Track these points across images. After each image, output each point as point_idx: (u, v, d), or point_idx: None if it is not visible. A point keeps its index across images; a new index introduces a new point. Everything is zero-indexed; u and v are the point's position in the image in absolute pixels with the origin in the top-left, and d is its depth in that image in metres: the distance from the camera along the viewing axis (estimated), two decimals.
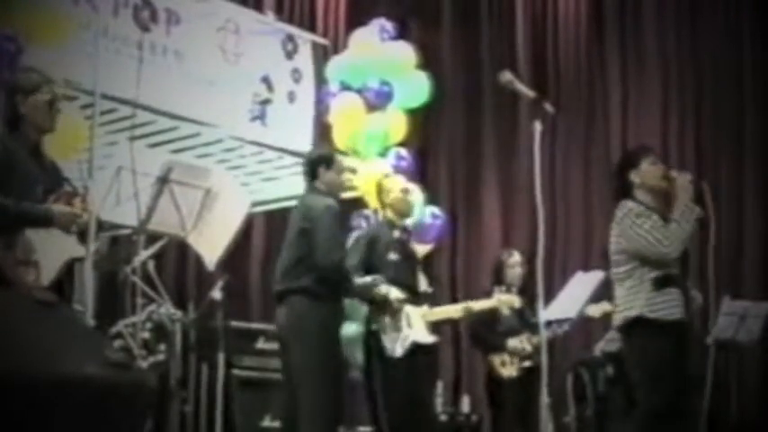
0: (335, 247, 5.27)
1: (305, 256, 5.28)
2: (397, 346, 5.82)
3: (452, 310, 6.43)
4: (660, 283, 4.70)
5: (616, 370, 7.37)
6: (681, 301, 4.74)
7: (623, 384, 7.04)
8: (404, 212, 6.20)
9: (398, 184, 6.24)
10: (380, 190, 6.27)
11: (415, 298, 6.00)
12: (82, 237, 4.33)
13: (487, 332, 6.92)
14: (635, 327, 4.74)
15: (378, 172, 7.50)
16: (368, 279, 5.57)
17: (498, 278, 7.07)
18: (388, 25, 8.20)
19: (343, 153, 7.85)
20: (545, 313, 5.20)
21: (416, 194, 7.31)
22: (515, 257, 7.08)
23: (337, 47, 8.90)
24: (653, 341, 4.69)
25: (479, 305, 6.50)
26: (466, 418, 8.40)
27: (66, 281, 4.40)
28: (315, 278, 5.25)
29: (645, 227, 4.70)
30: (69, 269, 4.42)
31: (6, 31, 5.59)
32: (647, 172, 4.85)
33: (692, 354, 5.02)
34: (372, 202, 7.63)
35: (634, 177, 4.85)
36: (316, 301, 5.26)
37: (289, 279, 5.34)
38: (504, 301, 6.58)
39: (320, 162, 5.52)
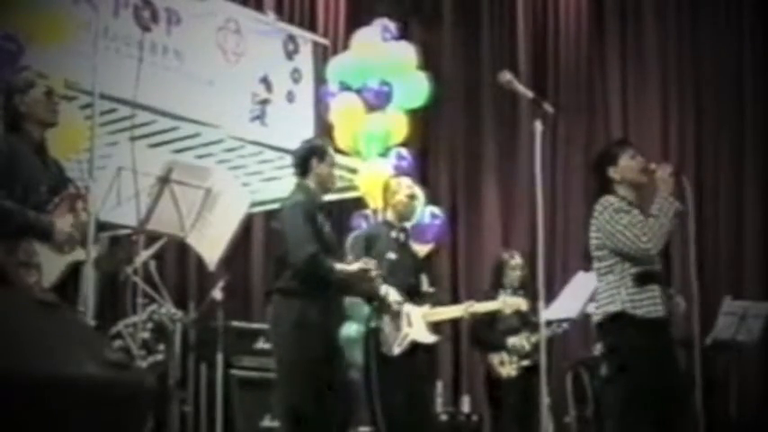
0: (303, 242, 5.21)
1: (284, 256, 5.31)
2: (394, 345, 5.81)
3: (454, 311, 6.42)
4: (641, 280, 4.67)
5: (609, 367, 7.36)
6: (662, 298, 4.71)
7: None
8: (405, 216, 6.18)
9: (406, 188, 6.20)
10: (386, 189, 6.24)
11: (416, 298, 5.99)
12: (83, 240, 4.35)
13: (487, 331, 6.92)
14: (615, 322, 4.71)
15: (379, 172, 7.51)
16: (355, 266, 5.41)
17: (498, 278, 7.07)
18: (391, 25, 8.21)
19: (344, 153, 7.88)
20: (546, 313, 5.20)
21: (420, 200, 7.29)
22: (517, 259, 7.09)
23: (337, 47, 8.90)
24: (633, 337, 4.67)
25: (483, 307, 6.46)
26: (466, 418, 8.40)
27: (69, 283, 4.40)
28: (292, 276, 5.26)
29: (623, 222, 4.66)
30: (74, 272, 4.42)
31: (6, 31, 5.59)
32: (626, 167, 4.79)
33: (677, 354, 5.00)
34: (372, 202, 7.64)
35: (613, 174, 4.80)
36: (291, 299, 5.26)
37: (273, 279, 5.41)
38: (510, 303, 6.56)
39: (313, 154, 5.46)
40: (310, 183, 5.45)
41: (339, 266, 5.32)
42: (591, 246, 4.81)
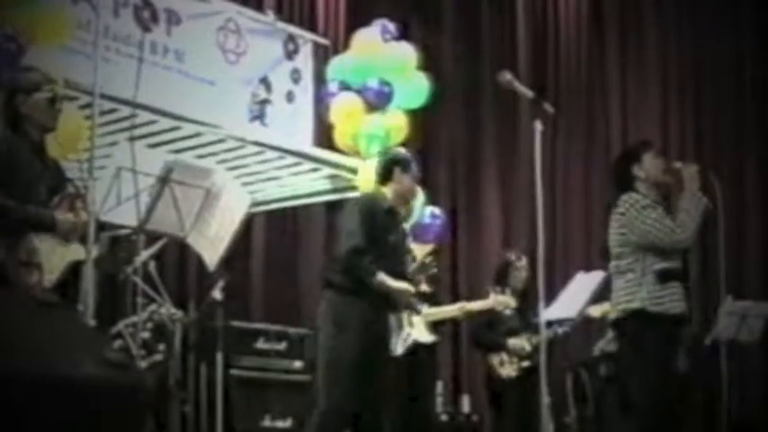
0: (351, 235, 5.23)
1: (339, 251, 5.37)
2: (398, 345, 5.82)
3: (449, 310, 6.46)
4: (664, 276, 4.70)
5: (611, 369, 7.38)
6: (682, 294, 4.75)
7: (618, 383, 7.05)
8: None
9: None
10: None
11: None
12: (83, 238, 4.35)
13: (488, 332, 6.93)
14: (634, 319, 4.73)
15: None
16: (398, 285, 5.33)
17: (501, 279, 7.07)
18: (391, 26, 8.19)
19: (344, 153, 7.89)
20: (546, 313, 5.20)
21: (419, 198, 7.31)
22: (523, 261, 7.09)
23: (337, 47, 8.90)
24: (650, 334, 4.70)
25: (476, 305, 6.51)
26: (466, 418, 8.40)
27: (70, 283, 4.41)
28: (339, 270, 5.28)
29: (653, 215, 4.70)
30: (75, 271, 4.42)
31: (7, 30, 5.59)
32: (650, 166, 4.85)
33: (686, 345, 5.04)
34: None
35: (637, 171, 4.85)
36: (338, 294, 5.27)
37: (326, 273, 5.44)
38: (501, 301, 6.59)
39: (397, 163, 5.51)
40: (388, 191, 5.47)
41: (381, 278, 5.24)
42: (611, 242, 4.83)
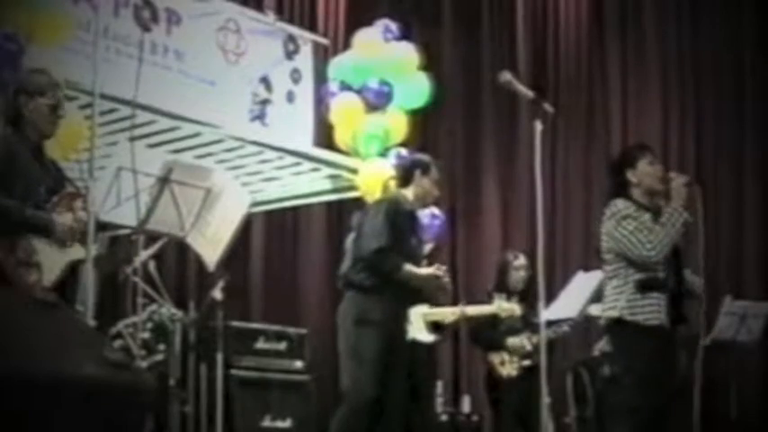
0: (375, 236, 5.30)
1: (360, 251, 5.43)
2: None
3: (449, 312, 6.41)
4: (643, 287, 4.70)
5: (611, 369, 7.37)
6: (663, 306, 4.72)
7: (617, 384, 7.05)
8: None
9: None
10: (385, 190, 6.28)
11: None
12: (83, 238, 4.35)
13: (488, 331, 6.92)
14: (616, 327, 4.77)
15: (379, 172, 7.51)
16: (426, 271, 5.46)
17: (501, 280, 7.05)
18: (393, 26, 8.19)
19: (344, 153, 7.89)
20: (546, 313, 5.20)
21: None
22: (521, 260, 7.07)
23: (337, 47, 8.89)
24: (632, 343, 4.72)
25: (476, 310, 6.46)
26: (466, 418, 8.39)
27: (69, 282, 4.41)
28: (361, 270, 5.35)
29: (629, 228, 4.69)
30: (73, 271, 4.42)
31: (7, 30, 5.59)
32: (644, 173, 4.83)
33: (679, 357, 5.04)
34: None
35: (631, 177, 4.83)
36: (360, 294, 5.35)
37: (347, 274, 5.50)
38: (505, 308, 6.53)
39: (417, 166, 5.63)
40: (409, 193, 5.57)
41: (409, 268, 5.35)
42: (601, 248, 4.88)
